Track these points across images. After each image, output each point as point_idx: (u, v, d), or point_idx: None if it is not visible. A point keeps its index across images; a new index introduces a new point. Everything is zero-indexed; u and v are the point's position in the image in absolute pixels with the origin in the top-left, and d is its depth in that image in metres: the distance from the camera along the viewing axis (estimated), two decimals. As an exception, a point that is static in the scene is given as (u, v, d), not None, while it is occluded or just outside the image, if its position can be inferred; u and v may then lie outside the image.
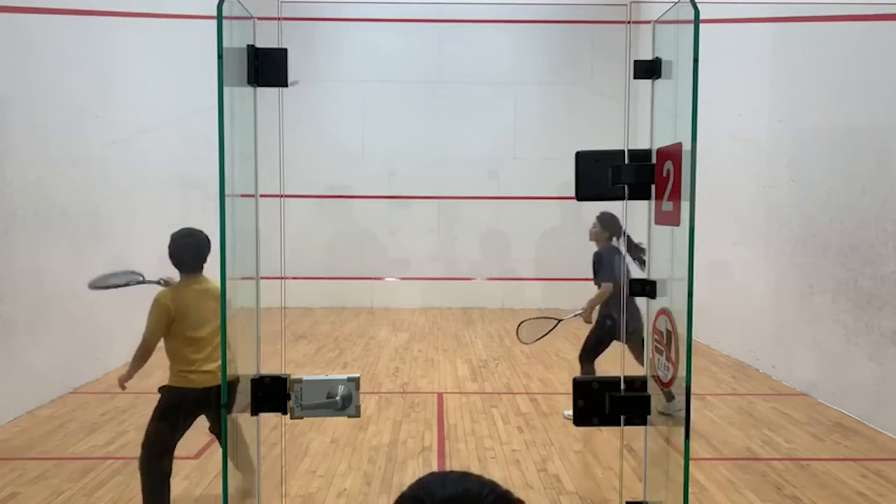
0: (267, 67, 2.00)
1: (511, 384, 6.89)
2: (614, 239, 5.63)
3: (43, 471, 4.51)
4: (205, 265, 3.70)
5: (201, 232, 3.72)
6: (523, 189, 11.52)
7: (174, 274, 3.76)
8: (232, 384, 1.93)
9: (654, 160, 2.14)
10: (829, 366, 6.20)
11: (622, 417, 2.18)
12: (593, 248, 5.71)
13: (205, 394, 3.58)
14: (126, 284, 3.93)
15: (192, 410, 3.66)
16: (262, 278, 2.19)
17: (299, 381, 2.01)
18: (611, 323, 5.55)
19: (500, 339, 9.20)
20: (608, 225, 5.61)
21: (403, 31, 11.70)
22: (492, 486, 1.00)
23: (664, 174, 2.03)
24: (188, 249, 3.69)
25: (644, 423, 2.19)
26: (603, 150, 2.19)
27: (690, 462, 1.98)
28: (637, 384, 2.19)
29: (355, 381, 2.02)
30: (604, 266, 5.55)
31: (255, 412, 2.04)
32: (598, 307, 5.58)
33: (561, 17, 11.66)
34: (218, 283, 3.14)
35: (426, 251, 11.81)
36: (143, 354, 3.65)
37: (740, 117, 7.93)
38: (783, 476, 4.53)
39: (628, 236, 5.62)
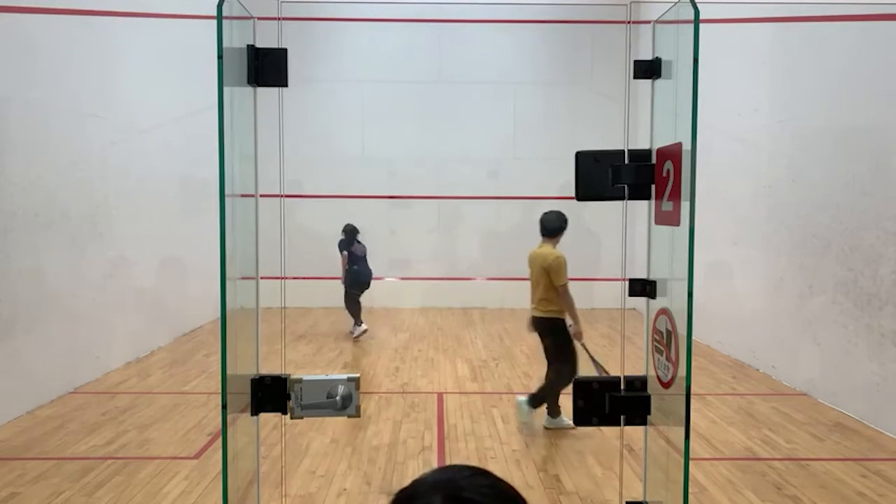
0: (267, 67, 2.00)
1: (511, 384, 6.89)
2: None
3: (43, 471, 4.51)
4: (549, 237, 5.63)
5: (550, 212, 5.74)
6: (523, 189, 11.50)
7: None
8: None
9: (654, 160, 2.14)
10: (829, 366, 6.20)
11: (622, 417, 2.18)
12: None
13: (533, 320, 5.55)
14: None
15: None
16: (262, 278, 2.18)
17: (299, 381, 2.01)
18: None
19: (500, 339, 9.19)
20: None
21: (403, 31, 11.69)
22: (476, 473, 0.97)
23: (664, 174, 2.03)
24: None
25: (644, 423, 2.19)
26: (603, 150, 2.19)
27: (690, 462, 1.98)
28: (637, 384, 2.20)
29: (355, 381, 2.02)
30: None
31: (255, 412, 2.04)
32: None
33: (561, 17, 11.65)
34: (539, 249, 5.58)
35: (426, 251, 11.80)
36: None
37: (740, 117, 7.93)
38: (783, 476, 4.53)
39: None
